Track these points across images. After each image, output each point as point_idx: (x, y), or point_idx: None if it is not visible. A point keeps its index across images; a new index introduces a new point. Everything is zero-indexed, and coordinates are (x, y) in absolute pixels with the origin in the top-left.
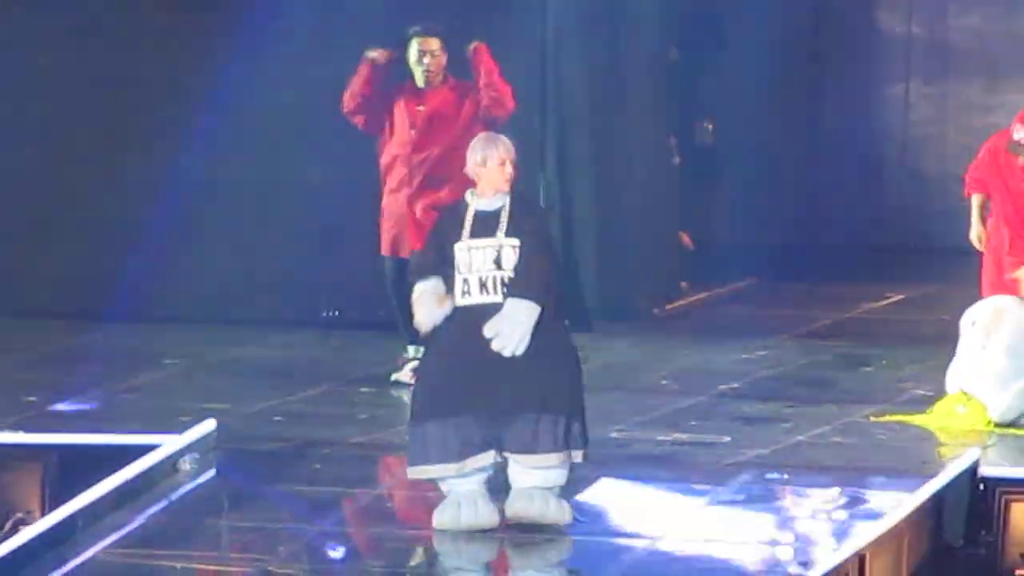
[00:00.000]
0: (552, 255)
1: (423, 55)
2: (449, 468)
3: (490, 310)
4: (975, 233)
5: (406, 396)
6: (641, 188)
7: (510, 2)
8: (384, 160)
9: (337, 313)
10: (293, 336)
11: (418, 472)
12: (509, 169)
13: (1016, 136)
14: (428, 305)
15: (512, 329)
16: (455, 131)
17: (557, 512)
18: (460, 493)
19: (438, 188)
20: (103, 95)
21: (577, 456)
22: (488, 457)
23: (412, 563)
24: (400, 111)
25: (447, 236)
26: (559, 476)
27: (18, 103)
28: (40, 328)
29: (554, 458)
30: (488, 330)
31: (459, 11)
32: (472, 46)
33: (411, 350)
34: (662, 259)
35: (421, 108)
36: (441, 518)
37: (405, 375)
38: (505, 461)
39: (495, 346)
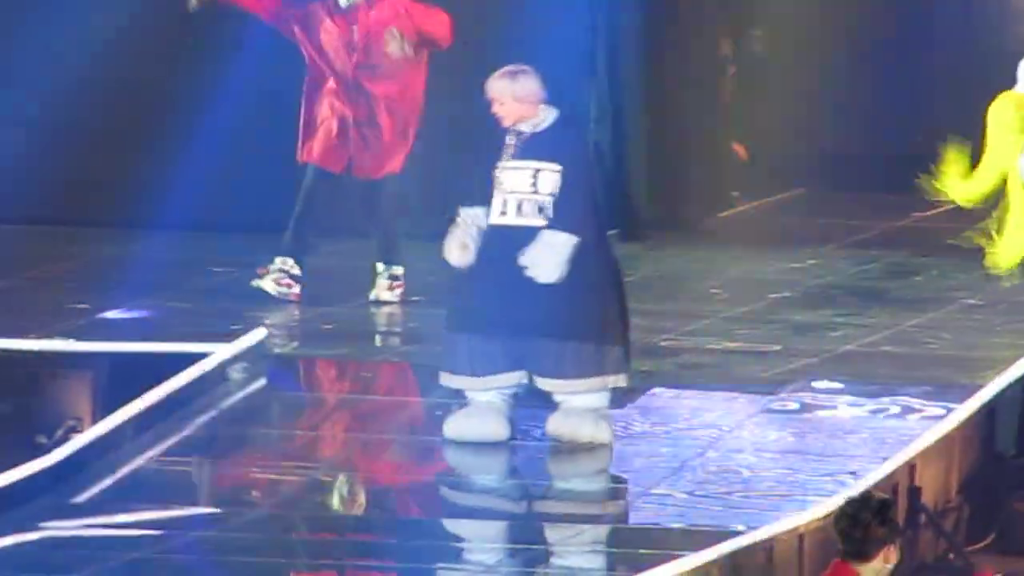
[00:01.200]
0: (593, 183)
1: None
2: (473, 382)
3: (525, 232)
4: None
5: None
6: (693, 97)
7: None
8: (313, 74)
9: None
10: (344, 245)
11: (445, 379)
12: (504, 110)
13: None
14: (457, 249)
15: (548, 259)
16: (394, 61)
17: (593, 431)
18: (478, 404)
19: (377, 113)
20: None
21: (618, 380)
22: (514, 377)
23: (458, 469)
24: (328, 29)
25: (487, 155)
26: (591, 399)
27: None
28: (90, 237)
29: (580, 384)
30: (524, 259)
31: None
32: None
33: (277, 261)
34: (713, 169)
35: (355, 27)
36: (449, 427)
37: (267, 283)
38: (535, 383)
39: (530, 274)
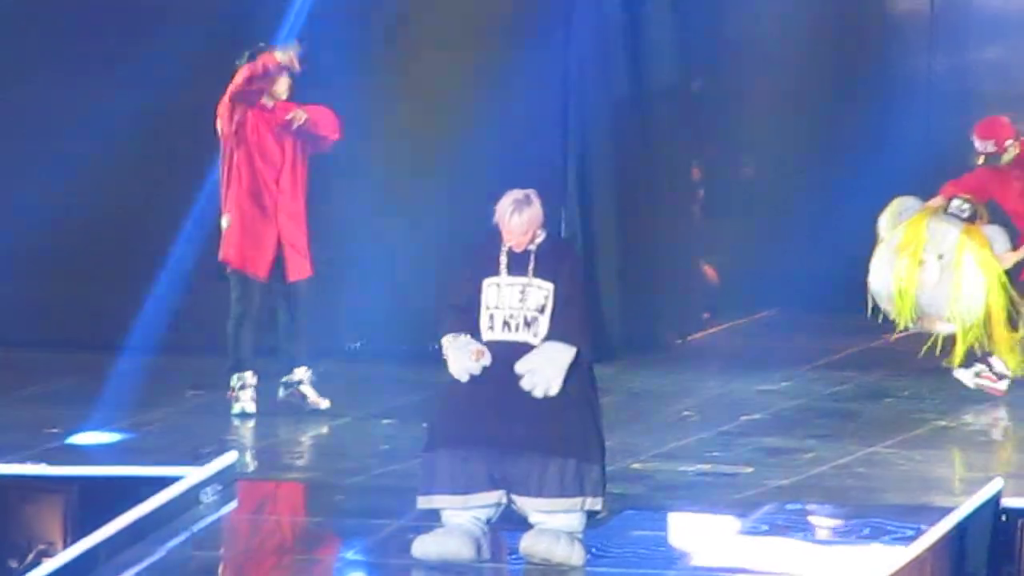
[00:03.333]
0: (587, 299)
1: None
2: (454, 500)
3: (512, 348)
4: None
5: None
6: (664, 220)
7: (531, 36)
8: (248, 177)
9: (359, 344)
10: (315, 367)
11: (423, 502)
12: (526, 239)
13: (980, 147)
14: (465, 360)
15: (545, 368)
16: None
17: (567, 552)
18: (450, 525)
19: (292, 218)
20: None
21: (594, 504)
22: (493, 496)
23: None
24: (263, 132)
25: (479, 271)
26: (569, 521)
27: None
28: (61, 360)
29: (560, 503)
30: (521, 366)
31: (481, 44)
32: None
33: (234, 378)
34: (684, 291)
35: (282, 131)
36: (417, 547)
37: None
38: (513, 504)
39: (525, 384)
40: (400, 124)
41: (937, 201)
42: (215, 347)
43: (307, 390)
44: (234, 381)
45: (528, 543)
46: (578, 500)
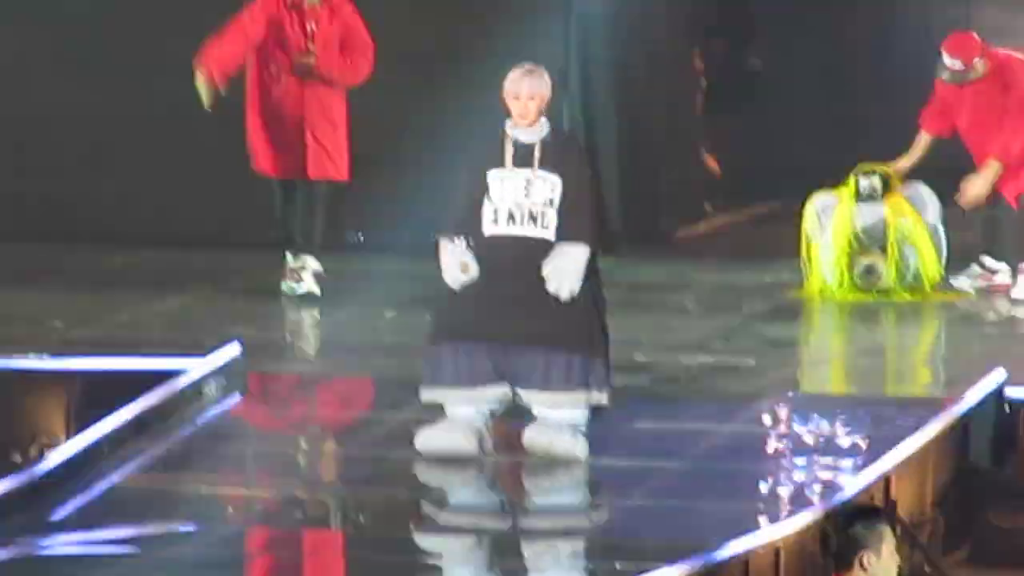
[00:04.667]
0: (598, 195)
1: None
2: (457, 393)
3: (517, 241)
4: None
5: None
6: (665, 111)
7: None
8: (256, 71)
9: (362, 237)
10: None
11: (429, 394)
12: (533, 106)
13: (948, 63)
14: (455, 269)
15: (571, 273)
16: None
17: (569, 445)
18: (453, 418)
19: (327, 115)
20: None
21: (600, 398)
22: (499, 390)
23: (436, 487)
24: (288, 27)
25: (483, 162)
26: (574, 415)
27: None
28: (63, 252)
29: (565, 397)
30: (547, 272)
31: None
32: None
33: (289, 258)
34: (686, 182)
35: (312, 28)
36: (420, 440)
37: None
38: (518, 397)
39: (551, 288)
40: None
41: (847, 189)
42: (217, 239)
43: (306, 276)
44: (291, 261)
45: (530, 436)
46: (583, 394)
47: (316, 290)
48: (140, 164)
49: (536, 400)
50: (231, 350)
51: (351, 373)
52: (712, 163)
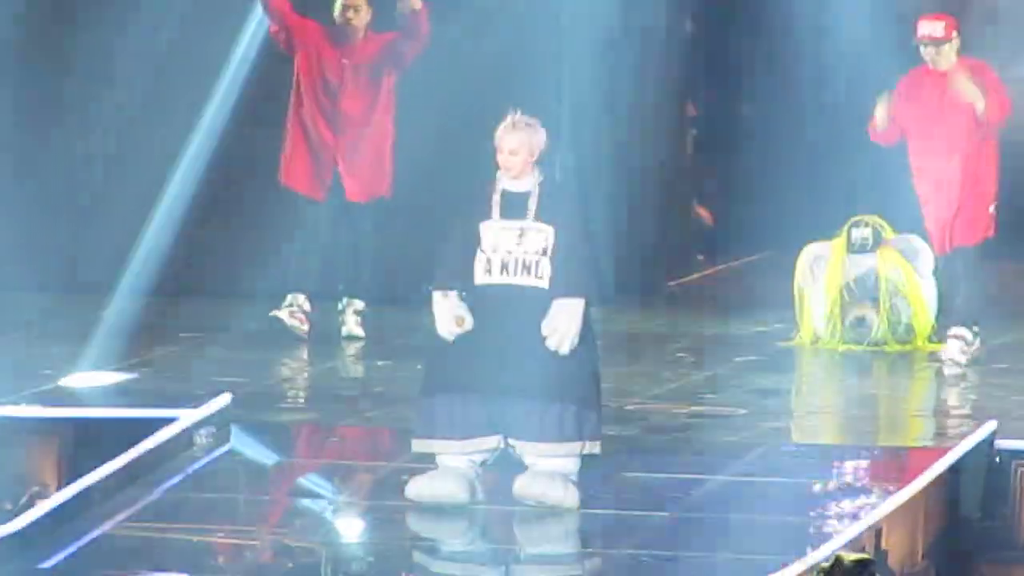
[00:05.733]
0: (589, 244)
1: (347, 9)
2: (449, 445)
3: (510, 291)
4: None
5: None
6: (656, 161)
7: None
8: (298, 99)
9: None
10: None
11: (421, 445)
12: (517, 160)
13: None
14: (449, 323)
15: (571, 328)
16: (373, 92)
17: (562, 494)
18: (445, 467)
19: (357, 142)
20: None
21: (591, 447)
22: (492, 441)
23: (428, 536)
24: (325, 57)
25: (473, 213)
26: (567, 464)
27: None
28: (56, 302)
29: (558, 448)
30: (547, 329)
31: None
32: (412, 5)
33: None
34: (678, 232)
35: (346, 62)
36: (411, 488)
37: (283, 313)
38: (511, 448)
39: (551, 345)
40: None
41: (839, 240)
42: (208, 289)
43: (349, 319)
44: (288, 300)
45: (522, 485)
46: (577, 444)
47: (359, 332)
48: (133, 214)
49: (530, 451)
50: (222, 399)
51: (342, 422)
52: (704, 213)
